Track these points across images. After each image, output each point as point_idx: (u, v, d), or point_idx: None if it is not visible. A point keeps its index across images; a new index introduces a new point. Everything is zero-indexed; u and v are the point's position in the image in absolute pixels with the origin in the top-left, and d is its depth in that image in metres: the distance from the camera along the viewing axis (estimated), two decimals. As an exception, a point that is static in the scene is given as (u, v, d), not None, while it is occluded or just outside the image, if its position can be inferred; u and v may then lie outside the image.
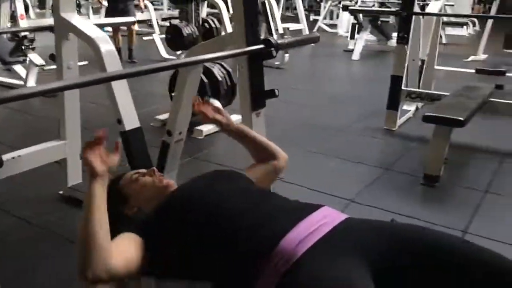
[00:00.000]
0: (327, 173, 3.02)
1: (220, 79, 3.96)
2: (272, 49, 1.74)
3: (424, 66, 4.45)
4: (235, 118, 3.80)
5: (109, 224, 1.20)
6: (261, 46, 1.73)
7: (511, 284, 1.05)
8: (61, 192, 2.66)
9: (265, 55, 1.75)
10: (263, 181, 1.51)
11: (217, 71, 4.01)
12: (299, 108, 4.54)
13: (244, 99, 1.81)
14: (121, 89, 1.99)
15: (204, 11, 4.88)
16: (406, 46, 3.80)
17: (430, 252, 1.09)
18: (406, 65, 3.88)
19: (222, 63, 4.16)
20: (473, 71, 4.56)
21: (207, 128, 3.73)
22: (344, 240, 1.10)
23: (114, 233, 1.24)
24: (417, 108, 4.42)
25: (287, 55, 6.46)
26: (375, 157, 3.38)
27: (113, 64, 1.99)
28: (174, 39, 3.65)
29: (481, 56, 7.41)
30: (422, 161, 3.22)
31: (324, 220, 1.15)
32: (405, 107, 4.24)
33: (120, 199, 1.37)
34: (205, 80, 3.80)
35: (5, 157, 2.16)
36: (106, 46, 2.01)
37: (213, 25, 3.93)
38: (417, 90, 4.03)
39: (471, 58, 7.29)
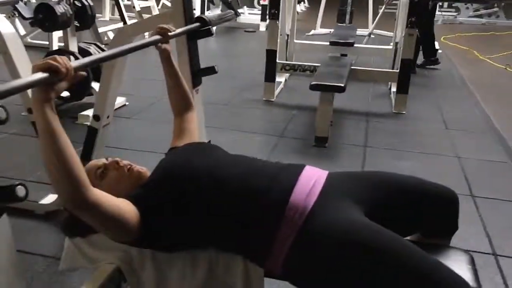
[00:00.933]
0: (231, 146, 3.16)
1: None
2: (210, 27, 1.80)
3: (288, 40, 4.86)
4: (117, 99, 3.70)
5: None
6: (198, 24, 1.78)
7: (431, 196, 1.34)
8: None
9: (203, 33, 1.80)
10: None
11: (93, 51, 3.80)
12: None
13: (185, 78, 1.84)
14: None
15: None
16: (277, 22, 4.11)
17: (398, 188, 1.34)
18: (278, 40, 4.19)
19: (98, 43, 3.94)
20: (327, 43, 5.13)
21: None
22: (337, 190, 1.28)
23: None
24: (285, 80, 4.83)
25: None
26: (266, 127, 3.65)
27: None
28: (46, 19, 3.32)
29: (321, 30, 8.22)
30: (308, 126, 3.61)
31: (314, 175, 1.31)
32: (277, 79, 4.59)
33: None
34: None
35: None
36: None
37: (85, 3, 3.66)
38: (290, 62, 4.41)
39: (312, 32, 8.05)
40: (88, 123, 2.00)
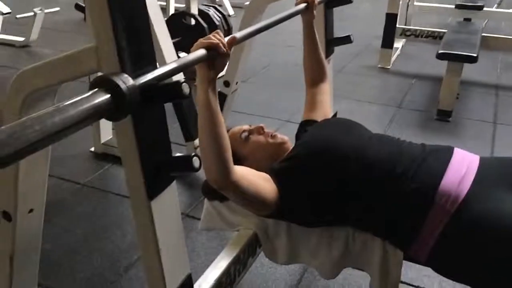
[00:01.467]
0: (346, 116, 3.10)
1: (217, 23, 3.84)
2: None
3: (408, 2, 4.54)
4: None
5: None
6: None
7: None
8: (92, 149, 2.56)
9: (343, 1, 1.73)
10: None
11: (212, 14, 3.88)
12: (291, 51, 4.52)
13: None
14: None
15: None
16: (400, -17, 3.85)
17: None
18: (400, 2, 3.94)
19: (216, 6, 4.02)
20: (451, 5, 4.71)
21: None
22: (492, 177, 1.18)
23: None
24: (402, 46, 4.56)
25: None
26: (383, 96, 3.49)
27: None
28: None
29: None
30: (429, 97, 3.40)
31: (466, 160, 1.22)
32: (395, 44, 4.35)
33: (236, 159, 1.20)
34: (204, 24, 3.66)
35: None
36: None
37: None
38: (411, 27, 4.14)
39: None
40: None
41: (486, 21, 4.93)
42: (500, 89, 3.59)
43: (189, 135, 2.25)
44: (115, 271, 1.73)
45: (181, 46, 3.35)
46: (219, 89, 2.15)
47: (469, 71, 3.61)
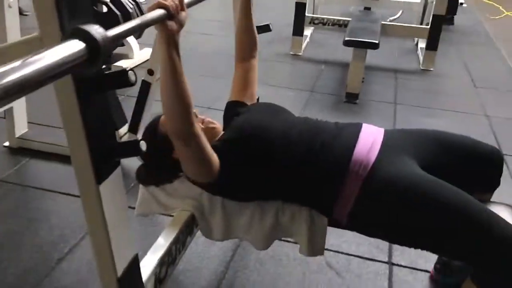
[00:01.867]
0: (267, 100, 3.24)
1: (130, 10, 3.76)
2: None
3: (314, -8, 4.80)
4: (147, 50, 3.71)
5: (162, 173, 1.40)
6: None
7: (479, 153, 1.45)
8: (7, 143, 2.44)
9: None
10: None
11: (125, 1, 3.79)
12: (208, 39, 4.57)
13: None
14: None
15: None
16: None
17: (450, 145, 1.43)
18: (307, -8, 4.15)
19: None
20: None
21: (127, 66, 3.61)
22: (395, 146, 1.37)
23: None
24: (310, 33, 4.81)
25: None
26: (296, 82, 3.69)
27: None
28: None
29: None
30: (337, 81, 3.65)
31: (373, 133, 1.40)
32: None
33: (169, 145, 1.30)
34: (117, 12, 3.58)
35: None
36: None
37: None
38: (319, 16, 4.37)
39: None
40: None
41: (381, 10, 5.35)
42: (398, 72, 3.95)
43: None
44: (48, 265, 1.71)
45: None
46: (143, 78, 2.17)
47: (371, 56, 3.93)
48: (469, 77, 3.91)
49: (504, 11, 6.32)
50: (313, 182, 1.33)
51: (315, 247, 1.41)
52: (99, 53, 0.65)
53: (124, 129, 2.34)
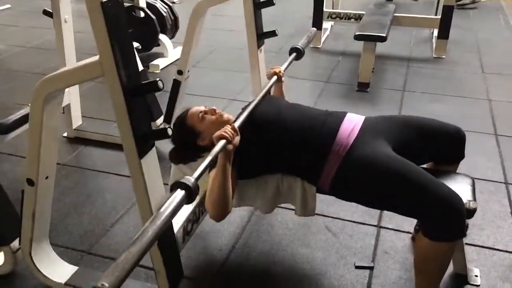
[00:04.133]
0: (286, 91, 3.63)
1: (164, 14, 4.23)
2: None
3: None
4: (180, 49, 4.14)
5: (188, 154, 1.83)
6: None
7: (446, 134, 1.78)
8: (65, 134, 2.95)
9: (266, 4, 2.22)
10: None
11: (160, 6, 4.26)
12: (233, 35, 4.98)
13: (251, 40, 2.29)
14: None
15: None
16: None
17: (419, 127, 1.79)
18: (326, -12, 4.47)
19: (162, -1, 4.39)
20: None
21: (163, 64, 4.08)
22: (371, 130, 1.73)
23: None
24: (331, 26, 5.13)
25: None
26: (314, 73, 4.05)
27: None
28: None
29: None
30: (352, 72, 3.98)
31: (354, 119, 1.76)
32: (324, 25, 4.90)
33: (194, 133, 1.79)
34: (153, 16, 4.05)
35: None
36: None
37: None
38: (336, 10, 4.69)
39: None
40: (158, 71, 2.52)
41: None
42: (411, 61, 4.24)
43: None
44: (103, 227, 2.18)
45: (134, 37, 3.73)
46: (174, 77, 2.61)
47: (387, 46, 4.23)
48: (479, 64, 4.14)
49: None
50: (304, 159, 1.71)
51: (307, 209, 1.80)
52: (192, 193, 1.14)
53: (160, 120, 2.80)
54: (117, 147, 2.78)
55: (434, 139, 1.80)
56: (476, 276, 1.88)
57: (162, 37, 4.16)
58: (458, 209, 1.49)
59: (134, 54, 1.34)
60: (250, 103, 1.98)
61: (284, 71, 2.11)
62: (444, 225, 1.51)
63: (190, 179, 1.18)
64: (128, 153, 1.39)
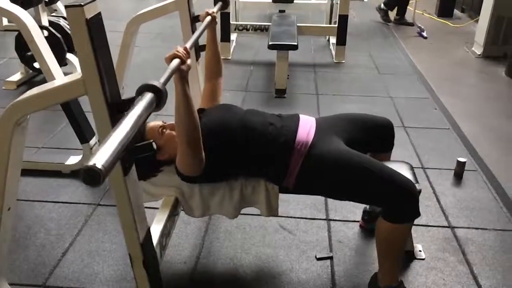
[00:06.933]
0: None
1: (70, 32, 4.02)
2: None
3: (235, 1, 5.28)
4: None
5: (148, 170, 1.80)
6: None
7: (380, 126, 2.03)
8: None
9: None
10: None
11: (63, 24, 4.05)
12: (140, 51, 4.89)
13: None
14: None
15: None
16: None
17: (360, 122, 1.99)
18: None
19: (64, 16, 4.18)
20: (270, 0, 5.61)
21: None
22: (325, 129, 1.88)
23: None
24: (235, 38, 5.30)
25: None
26: (231, 83, 4.14)
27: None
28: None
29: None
30: (266, 79, 4.17)
31: (309, 120, 1.90)
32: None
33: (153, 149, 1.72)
34: (58, 35, 3.84)
35: None
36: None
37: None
38: (243, 22, 4.87)
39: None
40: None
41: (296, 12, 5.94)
42: (316, 66, 4.56)
43: (83, 138, 2.58)
44: (54, 257, 2.05)
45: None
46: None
47: (293, 54, 4.49)
48: (375, 66, 4.60)
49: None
50: (268, 160, 1.80)
51: (271, 209, 1.89)
52: (163, 96, 1.08)
53: (93, 140, 2.68)
54: (45, 173, 2.62)
55: (373, 131, 2.02)
56: (420, 251, 2.13)
57: (70, 56, 3.97)
58: (413, 192, 1.70)
59: (114, 71, 1.33)
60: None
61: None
62: (403, 208, 1.70)
63: (158, 82, 1.10)
64: (112, 172, 1.36)
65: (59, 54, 3.87)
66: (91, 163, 0.79)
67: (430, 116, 3.53)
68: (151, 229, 1.72)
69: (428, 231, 2.27)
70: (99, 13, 1.23)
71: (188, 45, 1.57)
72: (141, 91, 1.07)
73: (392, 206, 1.71)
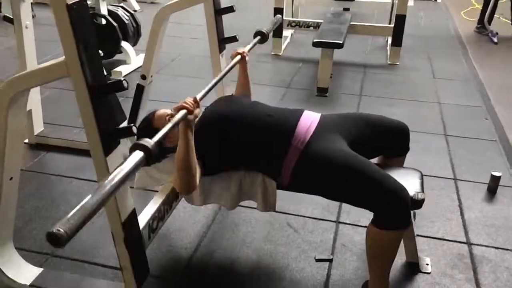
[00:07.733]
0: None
1: (126, 21, 4.25)
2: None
3: (294, -4, 5.26)
4: (142, 56, 4.18)
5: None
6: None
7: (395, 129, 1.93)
8: (26, 140, 2.93)
9: (227, 10, 2.31)
10: None
11: (121, 13, 4.28)
12: (196, 43, 5.04)
13: (213, 45, 2.38)
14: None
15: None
16: (283, -19, 4.51)
17: (368, 123, 1.91)
18: (284, -3, 4.61)
19: (123, 5, 4.41)
20: (331, -3, 5.52)
21: (125, 71, 4.10)
22: (327, 127, 1.84)
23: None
24: (291, 34, 5.28)
25: None
26: (275, 79, 4.17)
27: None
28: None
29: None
30: (312, 78, 4.13)
31: (311, 117, 1.87)
32: (284, 33, 5.05)
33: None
34: (115, 23, 4.07)
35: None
36: None
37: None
38: (296, 19, 4.84)
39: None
40: (121, 78, 2.59)
41: (358, 10, 5.78)
42: (367, 67, 4.43)
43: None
44: (68, 230, 2.19)
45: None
46: (138, 82, 2.65)
47: (343, 54, 4.40)
48: (430, 70, 4.37)
49: (476, 5, 6.75)
50: (266, 154, 1.79)
51: (268, 205, 1.88)
52: (152, 155, 1.14)
53: (124, 124, 2.82)
54: (80, 152, 2.80)
55: (384, 133, 1.93)
56: (427, 264, 2.01)
57: (124, 44, 4.18)
58: (404, 200, 1.61)
59: (99, 55, 1.39)
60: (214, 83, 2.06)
61: (248, 52, 2.16)
62: (391, 215, 1.62)
63: (150, 142, 1.17)
64: (94, 151, 1.43)
65: (114, 42, 4.11)
66: (54, 229, 0.90)
67: (478, 125, 3.30)
68: (144, 211, 1.79)
69: (442, 245, 2.14)
70: (83, 0, 1.30)
71: (198, 96, 1.62)
72: (134, 148, 1.15)
73: (380, 211, 1.64)
